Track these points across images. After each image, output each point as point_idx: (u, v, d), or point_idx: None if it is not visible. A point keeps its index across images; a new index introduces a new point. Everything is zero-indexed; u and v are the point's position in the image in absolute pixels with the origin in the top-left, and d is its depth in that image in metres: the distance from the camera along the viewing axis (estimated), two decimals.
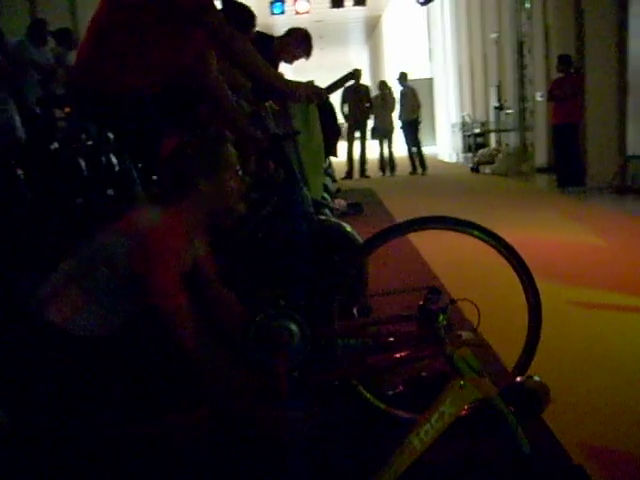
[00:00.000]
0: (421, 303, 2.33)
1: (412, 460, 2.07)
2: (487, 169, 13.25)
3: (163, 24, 2.76)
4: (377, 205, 8.95)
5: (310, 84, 3.28)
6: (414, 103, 13.34)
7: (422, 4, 12.82)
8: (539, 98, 13.00)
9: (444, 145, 20.14)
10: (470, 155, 15.85)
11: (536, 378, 2.31)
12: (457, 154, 17.67)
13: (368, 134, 13.39)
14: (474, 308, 2.27)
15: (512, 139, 13.88)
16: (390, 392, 2.65)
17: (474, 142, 15.14)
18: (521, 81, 13.35)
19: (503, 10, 14.57)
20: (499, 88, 14.93)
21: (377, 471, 2.04)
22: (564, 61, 9.88)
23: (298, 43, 4.98)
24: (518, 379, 2.34)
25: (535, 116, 13.12)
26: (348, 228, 3.42)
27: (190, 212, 2.15)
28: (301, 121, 3.52)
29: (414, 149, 13.44)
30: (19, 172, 5.14)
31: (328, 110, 4.01)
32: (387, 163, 13.70)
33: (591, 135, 10.33)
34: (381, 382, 2.66)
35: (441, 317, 2.29)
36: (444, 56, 20.73)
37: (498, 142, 14.90)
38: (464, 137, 16.41)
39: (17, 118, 5.34)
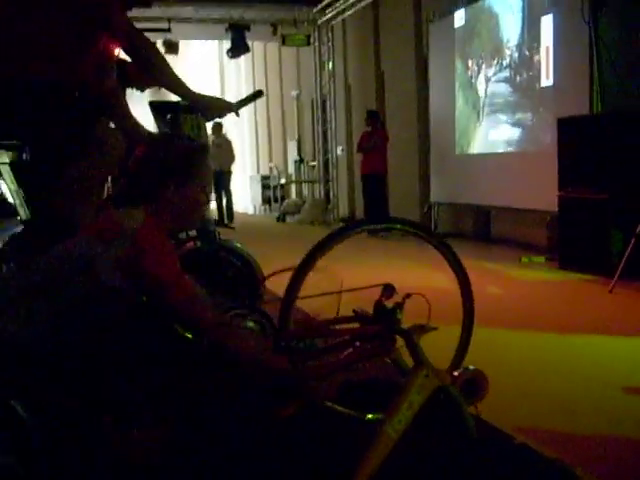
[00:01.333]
0: (377, 300, 2.35)
1: (389, 449, 2.06)
2: (292, 219, 13.62)
3: (67, 18, 2.60)
4: None
5: (220, 98, 3.25)
6: (229, 154, 13.37)
7: (231, 57, 13.04)
8: (340, 152, 13.72)
9: (238, 197, 20.39)
10: (268, 207, 16.26)
11: (471, 367, 2.42)
12: (255, 206, 17.97)
13: None
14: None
15: (316, 190, 14.45)
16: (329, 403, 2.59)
17: (276, 194, 15.55)
18: (324, 136, 13.99)
19: (303, 69, 15.28)
20: (299, 142, 15.53)
21: (356, 466, 2.00)
22: (372, 116, 10.54)
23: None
24: (456, 372, 2.43)
25: (337, 169, 13.79)
26: (244, 248, 3.44)
27: (158, 220, 2.00)
28: (193, 136, 3.44)
29: (225, 200, 13.44)
30: None
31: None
32: None
33: (395, 184, 11.06)
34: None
35: (398, 312, 2.33)
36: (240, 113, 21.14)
37: (299, 194, 15.42)
38: (263, 189, 16.77)
39: None
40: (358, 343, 2.41)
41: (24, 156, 2.79)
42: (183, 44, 16.15)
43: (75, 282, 1.84)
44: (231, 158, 13.27)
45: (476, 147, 8.90)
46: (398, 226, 2.55)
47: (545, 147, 7.25)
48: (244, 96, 3.47)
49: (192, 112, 3.16)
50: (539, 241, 7.71)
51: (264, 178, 16.98)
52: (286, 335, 2.30)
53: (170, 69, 2.82)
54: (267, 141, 18.82)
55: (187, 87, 2.89)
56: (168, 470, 1.98)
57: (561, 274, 6.03)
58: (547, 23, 7.14)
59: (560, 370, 3.34)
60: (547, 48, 7.17)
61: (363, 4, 11.61)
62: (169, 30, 11.36)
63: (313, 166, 14.64)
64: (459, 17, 8.97)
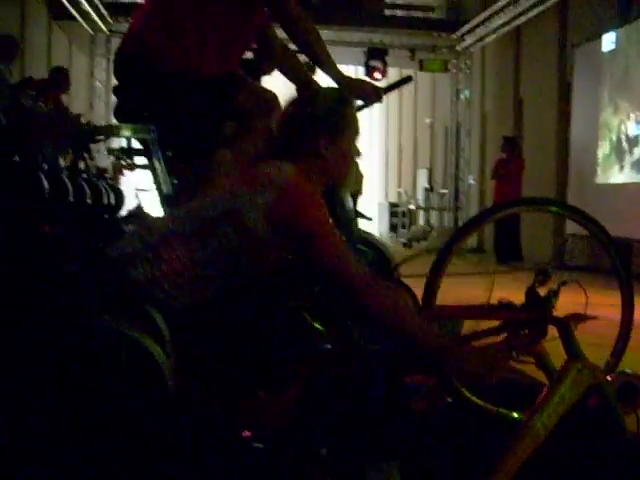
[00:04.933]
0: (530, 285, 2.20)
1: (536, 445, 1.89)
2: (419, 246, 13.46)
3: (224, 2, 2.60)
4: None
5: (366, 81, 3.15)
6: (357, 175, 13.36)
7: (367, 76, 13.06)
8: (471, 181, 13.47)
9: (364, 224, 20.45)
10: (394, 234, 16.17)
11: (629, 371, 2.21)
12: (381, 233, 17.94)
13: None
14: None
15: (444, 219, 14.24)
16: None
17: (403, 221, 15.45)
18: (457, 164, 13.80)
19: (438, 96, 15.18)
20: (430, 170, 15.39)
21: (500, 460, 1.84)
22: (509, 142, 10.25)
23: None
24: (609, 376, 2.22)
25: (468, 198, 13.54)
26: (381, 240, 3.33)
27: (310, 175, 1.92)
28: None
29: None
30: None
31: None
32: None
33: (529, 214, 10.68)
34: None
35: (553, 299, 2.16)
36: (370, 139, 21.27)
37: (427, 221, 15.24)
38: (390, 216, 16.70)
39: None
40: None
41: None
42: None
43: (222, 230, 1.80)
44: (359, 178, 13.25)
45: (620, 176, 8.46)
46: (553, 208, 2.38)
47: None
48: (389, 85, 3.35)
49: None
50: None
51: (392, 205, 16.93)
52: (429, 314, 2.18)
53: (318, 39, 2.76)
54: (397, 169, 18.78)
55: (332, 61, 2.80)
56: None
57: None
58: None
59: None
60: None
61: (505, 30, 11.41)
62: None
63: (443, 194, 14.44)
64: (608, 40, 8.61)
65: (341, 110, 1.98)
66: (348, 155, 1.98)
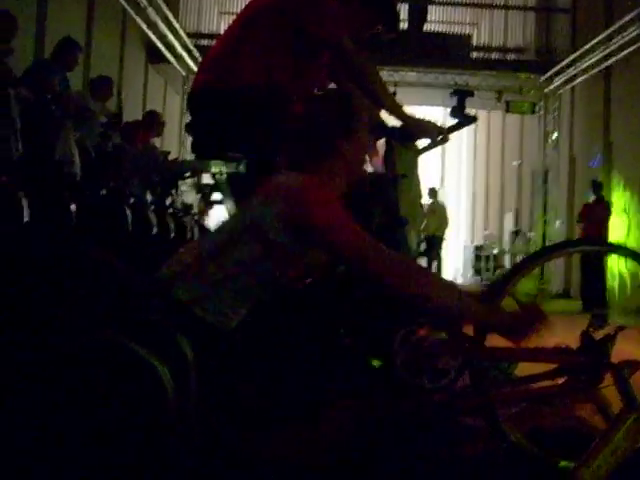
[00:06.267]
0: (585, 330, 2.13)
1: None
2: None
3: (292, 49, 2.67)
4: None
5: (430, 121, 3.13)
6: (443, 219, 13.24)
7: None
8: (558, 225, 13.13)
9: (449, 266, 20.22)
10: (479, 277, 15.93)
11: None
12: (466, 276, 17.69)
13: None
14: None
15: None
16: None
17: (488, 264, 15.20)
18: (544, 208, 13.50)
19: (526, 138, 14.95)
20: (517, 213, 15.11)
21: None
22: (597, 187, 10.00)
23: None
24: None
25: (555, 242, 13.20)
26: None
27: (333, 176, 2.02)
28: (403, 163, 3.37)
29: (435, 264, 13.29)
30: (72, 208, 4.96)
31: None
32: None
33: (617, 261, 10.31)
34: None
35: (609, 344, 2.08)
36: (458, 183, 21.15)
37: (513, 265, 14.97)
38: (476, 260, 16.47)
39: (76, 154, 5.23)
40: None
41: (240, 168, 2.87)
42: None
43: (245, 243, 1.87)
44: (444, 223, 13.15)
45: None
46: (615, 252, 2.29)
47: None
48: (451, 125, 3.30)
49: (405, 144, 3.07)
50: None
51: (477, 248, 16.70)
52: (480, 353, 2.13)
53: (380, 83, 2.80)
54: (484, 211, 18.54)
55: (395, 102, 2.82)
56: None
57: None
58: None
59: None
60: None
61: (594, 71, 11.17)
62: (394, 94, 11.62)
63: (529, 238, 14.14)
64: None
65: (349, 111, 2.07)
66: (363, 148, 2.11)
